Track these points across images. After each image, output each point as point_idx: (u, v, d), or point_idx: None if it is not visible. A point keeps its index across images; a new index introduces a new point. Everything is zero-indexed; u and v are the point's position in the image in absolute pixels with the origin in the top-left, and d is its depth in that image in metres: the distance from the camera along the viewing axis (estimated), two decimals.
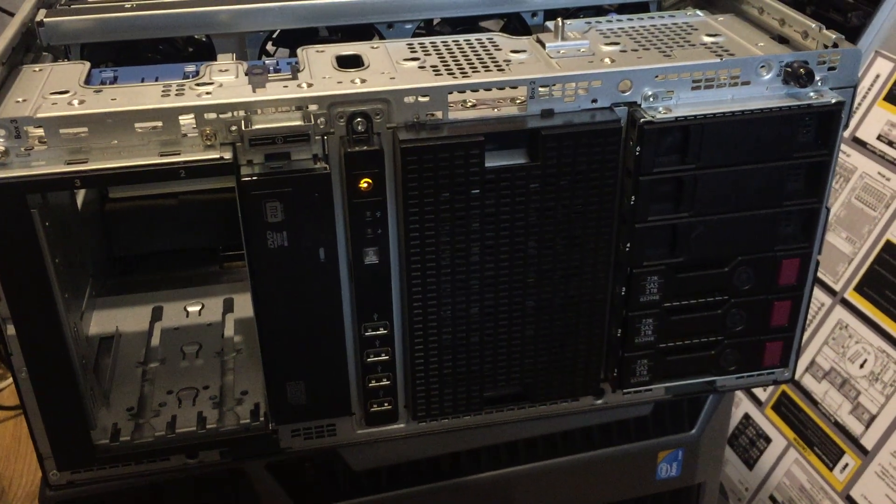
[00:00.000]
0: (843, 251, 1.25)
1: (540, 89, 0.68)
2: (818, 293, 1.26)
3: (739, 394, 1.34)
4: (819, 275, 1.26)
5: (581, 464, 0.86)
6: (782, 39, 0.78)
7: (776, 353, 0.81)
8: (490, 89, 0.68)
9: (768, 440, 1.28)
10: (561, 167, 0.68)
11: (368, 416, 0.76)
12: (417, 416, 0.77)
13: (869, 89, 1.29)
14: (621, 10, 0.93)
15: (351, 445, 0.79)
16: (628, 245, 0.73)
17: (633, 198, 0.71)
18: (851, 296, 1.23)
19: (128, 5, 0.83)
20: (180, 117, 0.64)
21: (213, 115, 0.64)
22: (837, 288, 1.24)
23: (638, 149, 0.69)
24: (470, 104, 0.70)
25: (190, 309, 0.88)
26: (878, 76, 1.29)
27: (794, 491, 1.23)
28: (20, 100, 0.67)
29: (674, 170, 0.70)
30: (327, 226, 0.67)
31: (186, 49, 0.91)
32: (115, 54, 0.88)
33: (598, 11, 0.92)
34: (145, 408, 0.76)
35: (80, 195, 0.89)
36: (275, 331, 0.70)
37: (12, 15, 0.86)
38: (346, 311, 0.72)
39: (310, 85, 0.67)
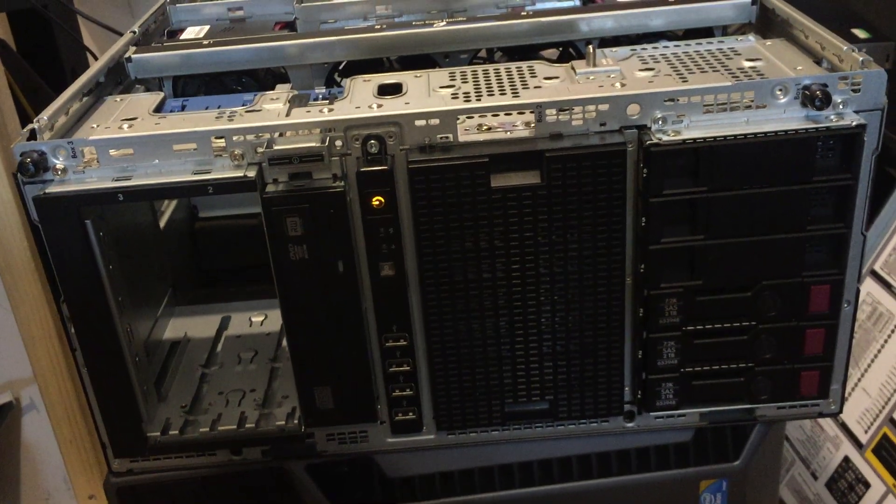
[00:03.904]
0: None
1: (547, 113, 0.71)
2: None
3: (840, 435, 1.27)
4: None
5: (619, 487, 0.86)
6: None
7: (813, 382, 0.78)
8: (498, 114, 0.71)
9: (867, 485, 1.21)
10: (566, 188, 0.70)
11: (394, 425, 0.80)
12: (441, 427, 0.80)
13: None
14: (687, 35, 0.93)
15: (383, 453, 0.83)
16: (643, 267, 0.73)
17: (643, 219, 0.72)
18: None
19: (206, 42, 0.91)
20: (212, 140, 0.71)
21: (240, 138, 0.71)
22: None
23: (645, 171, 0.70)
24: (485, 128, 0.73)
25: (254, 319, 0.95)
26: None
27: None
28: (94, 125, 0.76)
29: (684, 192, 0.71)
30: (344, 240, 0.72)
31: (267, 80, 0.98)
32: (204, 86, 0.97)
33: (661, 38, 0.92)
34: (197, 406, 0.84)
35: (167, 215, 0.99)
36: (300, 337, 0.75)
37: (121, 35, 0.97)
38: (369, 321, 0.76)
39: (331, 110, 0.72)
